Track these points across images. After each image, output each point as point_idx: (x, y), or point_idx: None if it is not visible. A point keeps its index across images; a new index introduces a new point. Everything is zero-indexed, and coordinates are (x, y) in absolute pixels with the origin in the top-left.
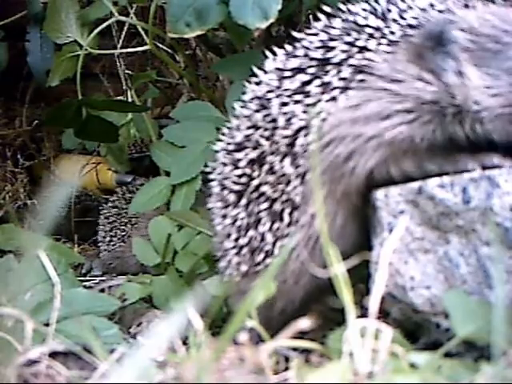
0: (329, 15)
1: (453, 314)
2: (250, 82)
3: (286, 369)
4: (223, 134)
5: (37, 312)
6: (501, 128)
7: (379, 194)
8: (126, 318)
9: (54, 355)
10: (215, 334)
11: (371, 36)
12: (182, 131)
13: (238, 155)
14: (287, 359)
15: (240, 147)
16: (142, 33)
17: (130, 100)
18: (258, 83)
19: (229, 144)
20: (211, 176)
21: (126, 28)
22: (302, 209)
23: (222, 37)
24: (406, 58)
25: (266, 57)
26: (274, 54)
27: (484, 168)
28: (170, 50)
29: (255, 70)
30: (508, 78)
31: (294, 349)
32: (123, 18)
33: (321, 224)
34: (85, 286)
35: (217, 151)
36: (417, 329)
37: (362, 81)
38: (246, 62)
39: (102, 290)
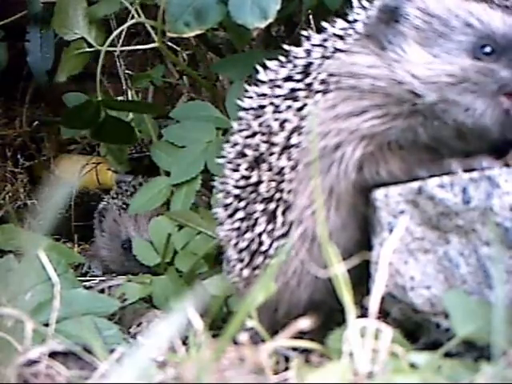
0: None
1: (453, 314)
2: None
3: (286, 369)
4: (225, 149)
5: (37, 312)
6: (443, 104)
7: (379, 194)
8: (126, 318)
9: (53, 355)
10: (215, 334)
11: (340, 38)
12: (182, 131)
13: (239, 161)
14: (287, 359)
15: (241, 155)
16: (151, 30)
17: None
18: (251, 97)
19: (230, 153)
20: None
21: (125, 28)
22: (292, 206)
23: (221, 37)
24: (360, 46)
25: (267, 58)
26: (265, 67)
27: (469, 170)
28: (176, 47)
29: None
30: (446, 58)
31: (294, 349)
32: (142, 20)
33: (319, 222)
34: (85, 286)
35: (222, 165)
36: (417, 329)
37: (336, 82)
38: (245, 62)
39: (102, 290)
